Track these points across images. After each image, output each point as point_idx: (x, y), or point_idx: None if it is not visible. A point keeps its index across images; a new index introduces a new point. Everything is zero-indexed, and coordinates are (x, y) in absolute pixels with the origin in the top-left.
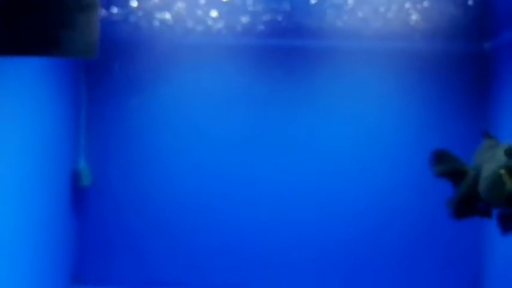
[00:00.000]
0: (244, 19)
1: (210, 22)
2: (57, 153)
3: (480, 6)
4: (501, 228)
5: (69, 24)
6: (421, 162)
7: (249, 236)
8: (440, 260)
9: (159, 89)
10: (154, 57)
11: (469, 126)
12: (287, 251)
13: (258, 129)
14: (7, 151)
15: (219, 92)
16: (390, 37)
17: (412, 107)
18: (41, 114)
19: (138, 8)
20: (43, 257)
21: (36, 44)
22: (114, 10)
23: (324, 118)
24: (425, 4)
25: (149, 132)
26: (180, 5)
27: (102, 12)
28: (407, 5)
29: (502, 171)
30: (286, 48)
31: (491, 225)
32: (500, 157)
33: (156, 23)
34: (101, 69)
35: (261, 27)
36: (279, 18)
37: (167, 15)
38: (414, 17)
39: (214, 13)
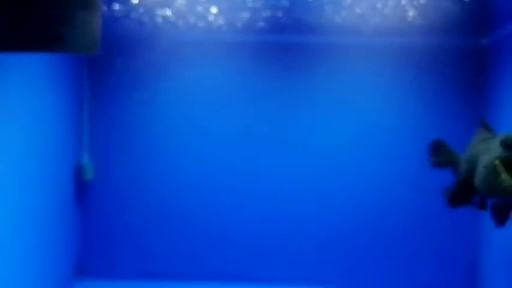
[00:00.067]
0: (244, 15)
1: (210, 18)
2: (60, 148)
3: (477, 1)
4: (495, 220)
5: (71, 21)
6: (419, 156)
7: (249, 228)
8: (437, 250)
9: (160, 85)
10: (155, 53)
11: (466, 121)
12: (287, 243)
13: (257, 123)
14: (11, 146)
15: (219, 87)
16: (388, 33)
17: (410, 103)
18: (44, 109)
19: (139, 4)
20: (46, 249)
21: (38, 40)
22: (116, 6)
23: (323, 113)
24: (422, 0)
25: (151, 127)
26: (180, 2)
27: (104, 8)
28: (404, 1)
29: (497, 162)
30: (286, 44)
31: (487, 216)
32: (495, 148)
33: (157, 20)
34: (103, 65)
35: (261, 23)
36: (279, 14)
37: (168, 12)
38: (411, 13)
39: (214, 9)
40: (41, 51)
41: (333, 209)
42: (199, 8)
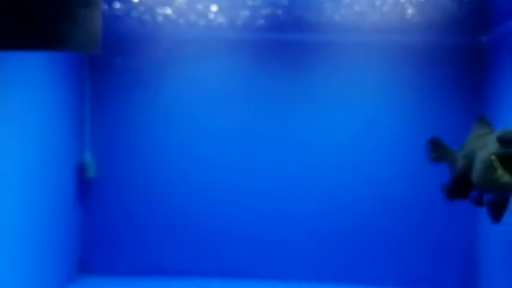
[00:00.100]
0: (244, 13)
1: (210, 17)
2: (62, 147)
3: None
4: (491, 216)
5: (72, 19)
6: (417, 153)
7: (251, 225)
8: (436, 246)
9: (161, 83)
10: (156, 52)
11: (465, 119)
12: (288, 240)
13: (257, 121)
14: (14, 145)
15: (219, 85)
16: (387, 31)
17: (409, 100)
18: (46, 108)
19: (139, 3)
20: (49, 247)
21: (39, 39)
22: (117, 5)
23: (322, 110)
24: None
25: (152, 124)
26: (180, 0)
27: (104, 7)
28: None
29: (493, 158)
30: (285, 42)
31: (485, 212)
32: (492, 144)
33: (157, 18)
34: (104, 64)
35: (261, 21)
36: (278, 12)
37: (168, 10)
38: (410, 10)
39: (214, 7)
40: (41, 49)
41: (332, 206)
42: (200, 6)
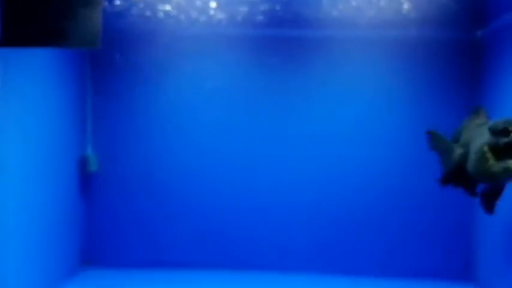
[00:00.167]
0: (243, 9)
1: (209, 13)
2: (65, 142)
3: None
4: (484, 206)
5: (74, 17)
6: (413, 145)
7: (252, 217)
8: (433, 236)
9: (161, 78)
10: (156, 48)
11: (461, 112)
12: (288, 231)
13: (257, 115)
14: (18, 140)
15: (219, 80)
16: (383, 26)
17: (405, 94)
18: (49, 104)
19: (139, 0)
20: (53, 239)
21: (42, 36)
22: (117, 2)
23: (320, 104)
24: None
25: (153, 119)
26: None
27: (105, 4)
28: None
29: (486, 149)
30: (284, 38)
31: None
32: (485, 135)
33: (158, 15)
34: (105, 60)
35: (259, 17)
36: (277, 8)
37: (168, 7)
38: (406, 5)
39: (213, 4)
40: (44, 46)
41: (331, 198)
42: (199, 3)
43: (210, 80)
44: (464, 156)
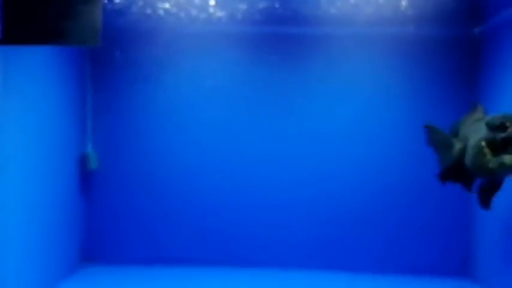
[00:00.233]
0: (242, 7)
1: (208, 11)
2: (65, 140)
3: None
4: (480, 201)
5: (74, 15)
6: (411, 142)
7: (251, 213)
8: (431, 232)
9: (161, 76)
10: (156, 45)
11: (458, 109)
12: (287, 227)
13: (256, 112)
14: (18, 138)
15: (219, 78)
16: (381, 23)
17: (403, 91)
18: (49, 102)
19: None
20: (53, 236)
21: (42, 34)
22: (117, 0)
23: (319, 101)
24: None
25: (153, 116)
26: None
27: (105, 1)
28: None
29: (483, 143)
30: (283, 35)
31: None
32: (482, 130)
33: (157, 13)
34: (105, 58)
35: (258, 14)
36: (276, 5)
37: (167, 5)
38: (404, 2)
39: (212, 1)
40: (45, 44)
41: (330, 195)
42: (198, 1)
43: (210, 77)
44: (463, 151)
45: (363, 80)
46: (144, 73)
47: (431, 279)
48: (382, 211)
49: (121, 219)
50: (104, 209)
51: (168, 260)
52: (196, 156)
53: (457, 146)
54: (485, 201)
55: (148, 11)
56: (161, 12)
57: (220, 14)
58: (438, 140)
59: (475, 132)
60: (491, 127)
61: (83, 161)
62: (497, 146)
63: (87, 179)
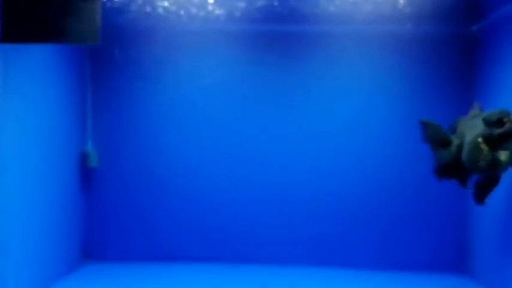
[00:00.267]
0: (240, 5)
1: (207, 9)
2: (65, 138)
3: None
4: (476, 197)
5: (73, 13)
6: (409, 139)
7: (250, 210)
8: (427, 228)
9: (161, 74)
10: (155, 43)
11: (456, 106)
12: (286, 224)
13: (255, 110)
14: (19, 136)
15: (218, 75)
16: (379, 21)
17: (401, 88)
18: (50, 100)
19: None
20: (54, 234)
21: (42, 32)
22: None
23: (317, 98)
24: None
25: (152, 114)
26: None
27: (104, 0)
28: None
29: (480, 139)
30: (281, 33)
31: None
32: (479, 126)
33: (157, 11)
34: (105, 56)
35: (257, 12)
36: (274, 3)
37: (166, 3)
38: (402, 0)
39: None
40: (44, 42)
41: (327, 191)
42: None
43: (209, 75)
44: (460, 148)
45: (361, 78)
46: (144, 71)
47: (429, 275)
48: (379, 208)
49: (121, 217)
50: (104, 207)
51: (168, 257)
52: (196, 154)
53: (454, 142)
54: (482, 197)
55: (148, 9)
56: (160, 10)
57: (219, 11)
58: (434, 136)
59: (471, 128)
60: (489, 123)
61: (83, 159)
62: (493, 142)
63: (87, 177)
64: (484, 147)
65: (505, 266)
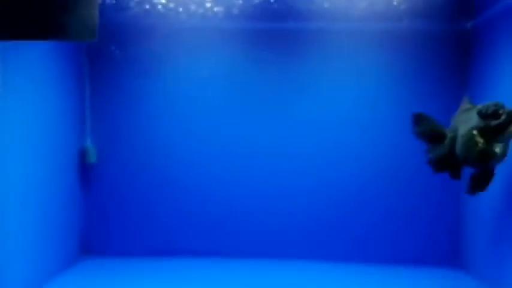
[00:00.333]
0: (237, 2)
1: (206, 6)
2: (64, 134)
3: None
4: (470, 188)
5: (70, 10)
6: (404, 133)
7: (251, 203)
8: (423, 220)
9: (160, 71)
10: (154, 41)
11: (449, 103)
12: (285, 217)
13: (253, 105)
14: (18, 132)
15: (217, 72)
16: (374, 18)
17: (396, 84)
18: (48, 96)
19: None
20: (53, 230)
21: (39, 29)
22: None
23: (315, 95)
24: None
25: (151, 111)
26: None
27: None
28: None
29: (475, 132)
30: (278, 30)
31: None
32: (473, 118)
33: (155, 8)
34: (103, 53)
35: (253, 10)
36: (271, 0)
37: (164, 0)
38: None
39: None
40: (41, 39)
41: (327, 183)
42: None
43: (208, 72)
44: (454, 141)
45: (356, 74)
46: (143, 68)
47: (423, 269)
48: (373, 201)
49: (120, 212)
50: (103, 203)
51: (167, 252)
52: (195, 149)
53: (449, 135)
54: (477, 189)
55: (146, 6)
56: (159, 7)
57: (217, 9)
58: (427, 129)
59: (464, 121)
60: (484, 115)
61: (82, 155)
62: (488, 134)
63: (86, 173)
64: (479, 139)
65: (499, 259)
